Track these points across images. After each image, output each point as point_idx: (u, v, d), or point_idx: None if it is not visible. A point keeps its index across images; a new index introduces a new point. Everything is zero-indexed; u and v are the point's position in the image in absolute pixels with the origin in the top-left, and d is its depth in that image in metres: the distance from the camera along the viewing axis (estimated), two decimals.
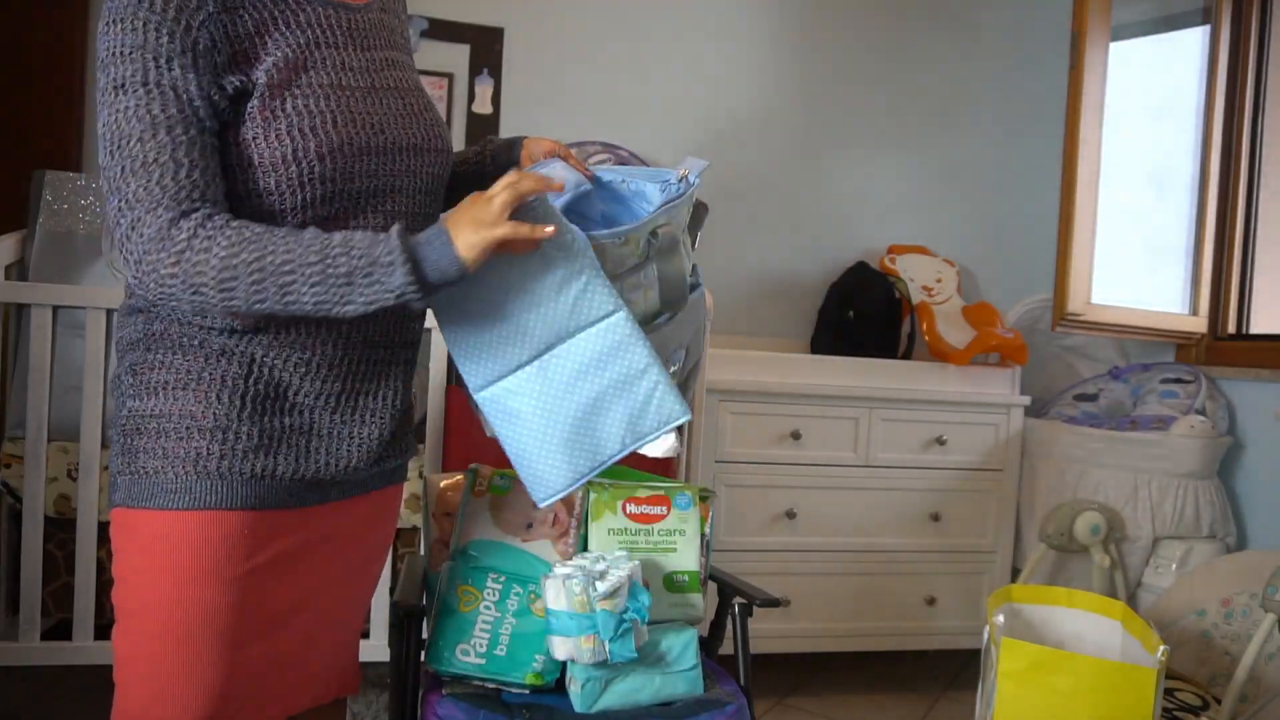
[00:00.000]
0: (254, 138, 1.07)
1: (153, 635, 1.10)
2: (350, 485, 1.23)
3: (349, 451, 1.19)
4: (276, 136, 1.07)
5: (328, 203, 1.11)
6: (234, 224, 1.03)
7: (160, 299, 1.04)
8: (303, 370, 1.14)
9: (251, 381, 1.12)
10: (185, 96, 1.03)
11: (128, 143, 1.01)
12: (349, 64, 1.14)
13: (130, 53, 1.01)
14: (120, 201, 1.01)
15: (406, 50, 1.27)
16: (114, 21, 1.01)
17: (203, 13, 1.02)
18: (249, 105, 1.07)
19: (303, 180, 1.08)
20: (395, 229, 1.04)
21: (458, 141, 2.75)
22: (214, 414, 1.10)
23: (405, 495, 2.15)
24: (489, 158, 1.38)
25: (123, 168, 1.01)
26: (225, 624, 1.10)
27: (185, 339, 1.12)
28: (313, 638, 1.23)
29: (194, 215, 1.02)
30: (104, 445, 1.96)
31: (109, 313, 1.95)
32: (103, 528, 1.95)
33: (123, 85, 1.01)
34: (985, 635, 1.70)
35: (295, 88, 1.08)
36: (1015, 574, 2.74)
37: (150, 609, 1.10)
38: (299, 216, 1.10)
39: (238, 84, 1.06)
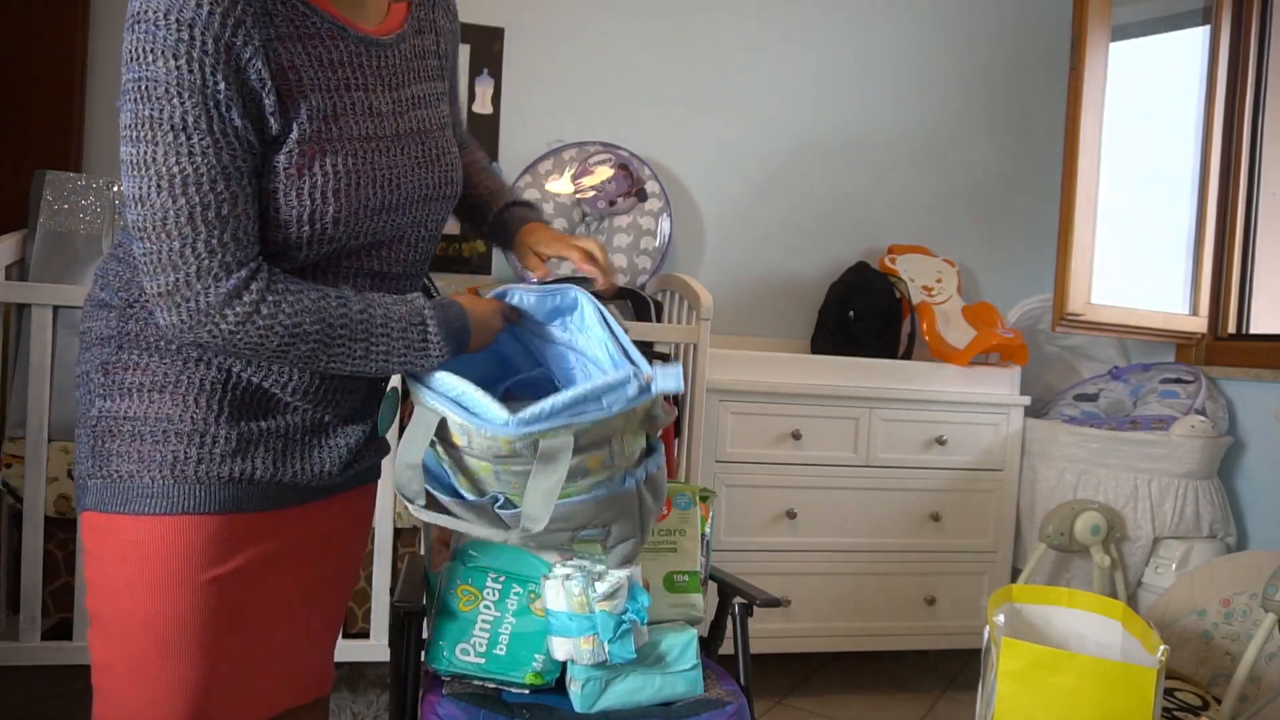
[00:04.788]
0: (274, 191, 1.06)
1: (131, 640, 1.09)
2: (326, 488, 1.22)
3: (321, 459, 1.19)
4: (298, 195, 1.06)
5: (326, 253, 1.12)
6: (291, 288, 1.05)
7: (204, 343, 1.04)
8: (281, 386, 1.14)
9: (230, 386, 1.11)
10: (246, 144, 1.01)
11: (198, 188, 0.99)
12: (377, 108, 1.13)
13: (188, 94, 0.97)
14: (183, 246, 0.99)
15: (438, 75, 1.25)
16: (160, 54, 0.96)
17: (248, 49, 1.00)
18: (277, 157, 1.05)
19: (311, 240, 1.08)
20: (437, 337, 1.12)
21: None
22: (191, 417, 1.09)
23: None
24: (492, 218, 1.41)
25: (190, 213, 0.98)
26: (204, 628, 1.09)
27: (162, 341, 1.10)
28: (292, 640, 1.23)
29: (259, 277, 1.03)
30: None
31: None
32: None
33: (184, 127, 0.97)
34: (985, 635, 1.70)
35: (327, 143, 1.07)
36: (1015, 574, 2.74)
37: (128, 614, 1.09)
38: (297, 258, 1.10)
39: (276, 129, 1.04)
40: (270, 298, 1.02)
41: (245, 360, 1.10)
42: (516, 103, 2.86)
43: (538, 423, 1.07)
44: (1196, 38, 2.96)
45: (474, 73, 2.82)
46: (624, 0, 2.94)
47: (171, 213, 0.98)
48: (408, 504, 1.16)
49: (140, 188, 0.99)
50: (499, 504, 1.17)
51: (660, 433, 1.28)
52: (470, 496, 1.19)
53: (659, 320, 2.62)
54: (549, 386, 1.32)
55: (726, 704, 1.41)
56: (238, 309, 1.01)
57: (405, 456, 1.14)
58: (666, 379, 1.13)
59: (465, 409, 1.11)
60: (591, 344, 1.25)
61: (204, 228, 0.99)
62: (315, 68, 1.07)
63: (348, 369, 1.09)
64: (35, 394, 1.95)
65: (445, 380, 1.13)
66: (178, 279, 1.00)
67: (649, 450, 1.26)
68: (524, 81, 2.87)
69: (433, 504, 1.20)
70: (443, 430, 1.14)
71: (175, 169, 0.98)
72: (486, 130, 2.82)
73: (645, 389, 1.12)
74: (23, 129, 2.45)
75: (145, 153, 0.98)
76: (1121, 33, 2.77)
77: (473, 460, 1.15)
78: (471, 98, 2.82)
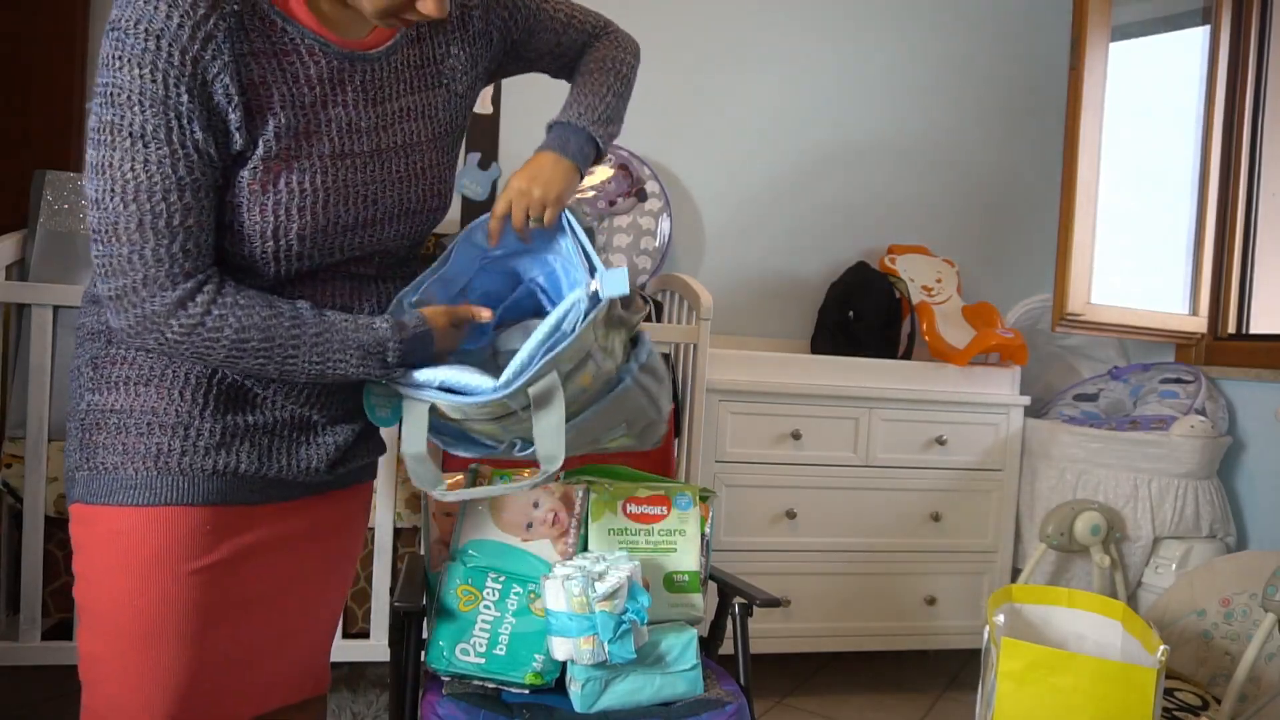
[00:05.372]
0: (238, 205, 1.06)
1: (117, 632, 1.10)
2: (316, 484, 1.23)
3: (308, 455, 1.19)
4: (260, 211, 1.06)
5: (299, 269, 1.12)
6: (241, 301, 1.05)
7: (151, 349, 1.05)
8: (264, 385, 1.15)
9: (215, 381, 1.12)
10: (206, 158, 1.02)
11: (150, 197, 0.99)
12: (356, 124, 1.12)
13: (150, 104, 0.98)
14: (132, 252, 1.00)
15: (440, 82, 1.22)
16: (128, 62, 0.97)
17: (217, 63, 1.00)
18: (241, 172, 1.05)
19: (278, 255, 1.09)
20: (391, 343, 1.12)
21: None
22: (176, 410, 1.10)
23: (405, 495, 2.15)
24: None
25: (140, 220, 0.99)
26: (188, 619, 1.10)
27: None
28: (283, 635, 1.23)
29: (206, 288, 1.03)
30: None
31: None
32: None
33: (143, 136, 0.98)
34: (985, 635, 1.70)
35: (294, 160, 1.06)
36: (1015, 574, 2.74)
37: (113, 606, 1.09)
38: (268, 273, 1.10)
39: (241, 144, 1.04)
40: (216, 311, 1.03)
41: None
42: (516, 103, 2.86)
43: (520, 376, 1.09)
44: (1196, 38, 2.96)
45: None
46: (623, 1, 2.93)
47: (123, 219, 0.99)
48: (432, 494, 1.18)
49: (97, 191, 1.00)
50: (518, 448, 1.20)
51: (637, 325, 1.29)
52: (493, 444, 1.22)
53: (659, 320, 2.62)
54: (532, 302, 1.36)
55: (726, 704, 1.41)
56: (182, 319, 1.02)
57: (408, 449, 1.16)
58: (610, 284, 1.13)
59: (451, 390, 1.13)
60: (562, 245, 1.28)
61: (153, 236, 1.00)
62: (288, 84, 1.06)
63: (302, 379, 1.11)
64: (35, 394, 1.95)
65: (423, 373, 1.15)
66: (124, 285, 1.01)
67: (634, 344, 1.27)
68: (524, 81, 2.86)
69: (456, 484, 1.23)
70: (436, 413, 1.16)
71: (130, 176, 0.99)
72: (487, 130, 2.82)
73: (594, 299, 1.13)
74: (23, 129, 2.45)
75: (104, 157, 0.99)
76: (1121, 33, 2.77)
77: (478, 426, 1.17)
78: None
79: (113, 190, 0.99)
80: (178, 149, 1.00)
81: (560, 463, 1.14)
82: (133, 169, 0.99)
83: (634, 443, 1.33)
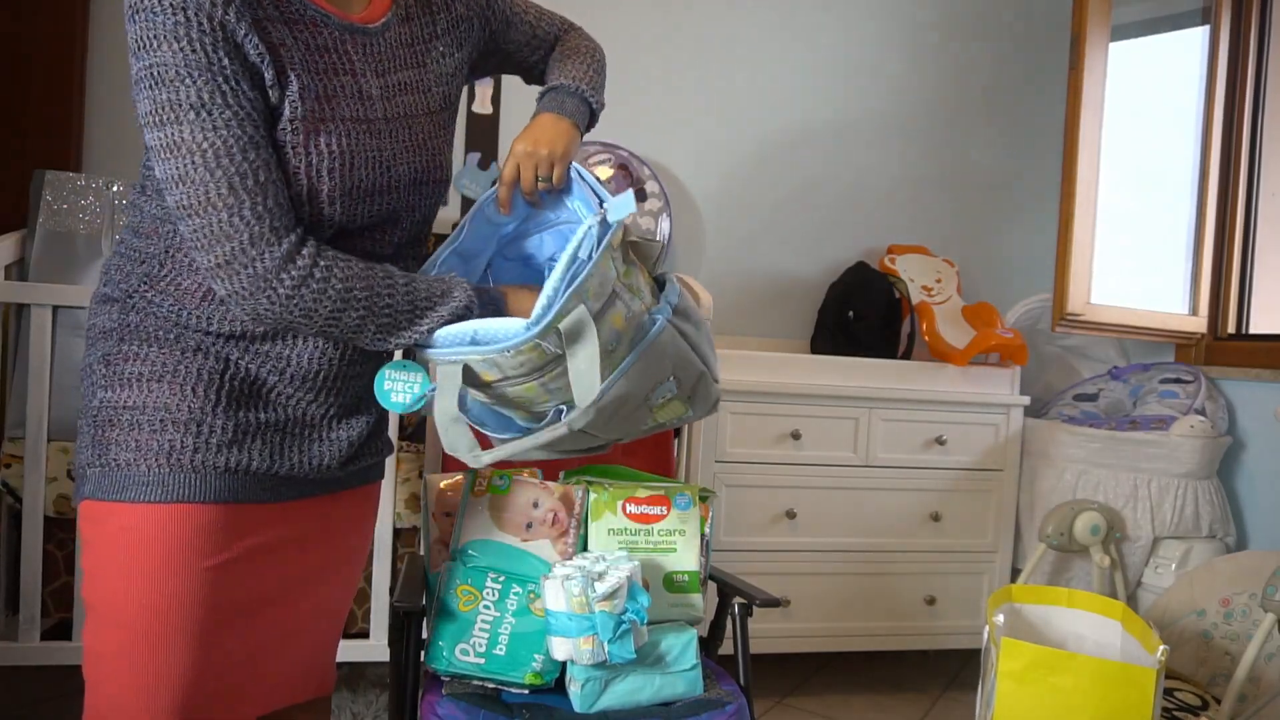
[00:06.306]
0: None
1: (123, 629, 1.09)
2: (327, 482, 1.23)
3: (320, 452, 1.20)
4: (293, 174, 1.07)
5: (324, 238, 1.12)
6: (340, 256, 1.07)
7: (261, 313, 1.05)
8: (280, 371, 1.15)
9: (227, 377, 1.12)
10: (261, 113, 1.04)
11: (231, 159, 1.01)
12: (366, 92, 1.14)
13: (199, 73, 0.99)
14: (232, 215, 1.01)
15: (428, 60, 1.24)
16: (164, 39, 0.98)
17: (242, 25, 1.01)
18: (275, 134, 1.06)
19: (309, 221, 1.09)
20: (469, 298, 1.13)
21: (458, 142, 2.74)
22: (189, 407, 1.10)
23: (405, 495, 2.15)
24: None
25: (230, 184, 1.01)
26: (197, 618, 1.10)
27: (161, 333, 1.12)
28: (289, 635, 1.23)
29: (307, 240, 1.05)
30: None
31: None
32: None
33: (203, 104, 1.00)
34: (985, 635, 1.70)
35: (320, 122, 1.08)
36: (1015, 574, 2.74)
37: (120, 601, 1.09)
38: None
39: (275, 102, 1.06)
40: (322, 262, 1.05)
41: (296, 330, 1.10)
42: (516, 103, 2.86)
43: (549, 309, 1.08)
44: (1196, 38, 2.96)
45: None
46: (621, 1, 2.93)
47: (211, 185, 1.01)
48: (465, 459, 1.15)
49: (177, 168, 1.01)
50: (565, 414, 1.18)
51: (658, 264, 1.30)
52: (534, 425, 1.20)
53: None
54: None
55: (726, 704, 1.41)
56: (292, 272, 1.03)
57: (442, 415, 1.14)
58: (617, 209, 1.14)
59: (482, 344, 1.12)
60: (570, 206, 1.28)
61: (246, 195, 1.02)
62: (303, 51, 1.08)
63: (390, 343, 1.11)
64: (35, 394, 1.95)
65: (449, 331, 1.13)
66: (233, 248, 1.02)
67: (660, 288, 1.26)
68: (524, 82, 2.87)
69: (487, 444, 1.19)
70: (471, 377, 1.14)
71: (205, 144, 1.00)
72: (486, 130, 2.82)
73: (604, 224, 1.13)
74: (22, 129, 2.45)
75: (173, 134, 1.00)
76: (1121, 33, 2.77)
77: (515, 388, 1.15)
78: (471, 98, 2.82)
79: (194, 162, 1.00)
80: (238, 109, 1.01)
81: (594, 395, 1.10)
82: (205, 137, 1.00)
83: (689, 411, 1.29)
